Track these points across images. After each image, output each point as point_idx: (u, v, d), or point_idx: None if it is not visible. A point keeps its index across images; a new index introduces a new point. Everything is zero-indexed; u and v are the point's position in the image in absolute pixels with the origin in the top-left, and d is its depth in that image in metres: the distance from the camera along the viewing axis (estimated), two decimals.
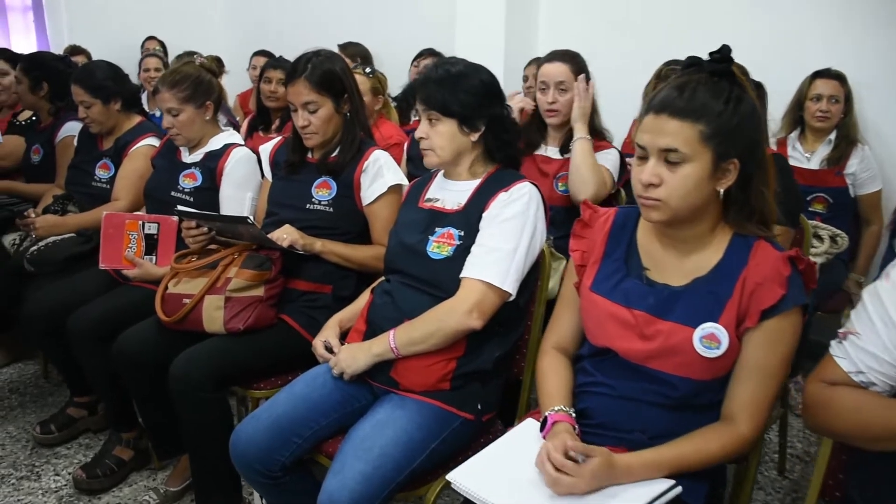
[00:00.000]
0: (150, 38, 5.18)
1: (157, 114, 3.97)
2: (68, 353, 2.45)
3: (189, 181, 2.50)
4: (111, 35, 5.16)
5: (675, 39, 3.66)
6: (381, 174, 2.20)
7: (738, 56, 1.44)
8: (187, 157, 2.56)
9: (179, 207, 2.17)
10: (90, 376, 2.50)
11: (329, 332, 1.96)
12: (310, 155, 2.30)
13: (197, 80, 2.47)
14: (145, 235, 2.48)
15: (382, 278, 2.03)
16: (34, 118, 3.60)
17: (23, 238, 2.81)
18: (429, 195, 1.94)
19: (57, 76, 3.30)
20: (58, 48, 4.99)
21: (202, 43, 4.68)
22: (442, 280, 1.78)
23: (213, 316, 2.06)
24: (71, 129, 3.24)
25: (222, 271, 2.11)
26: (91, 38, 5.01)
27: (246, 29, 5.78)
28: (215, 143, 2.54)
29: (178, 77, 2.45)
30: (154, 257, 2.49)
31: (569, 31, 4.20)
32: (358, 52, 4.68)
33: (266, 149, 2.41)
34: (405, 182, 2.25)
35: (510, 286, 1.74)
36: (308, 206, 2.22)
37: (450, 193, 1.89)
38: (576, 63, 2.62)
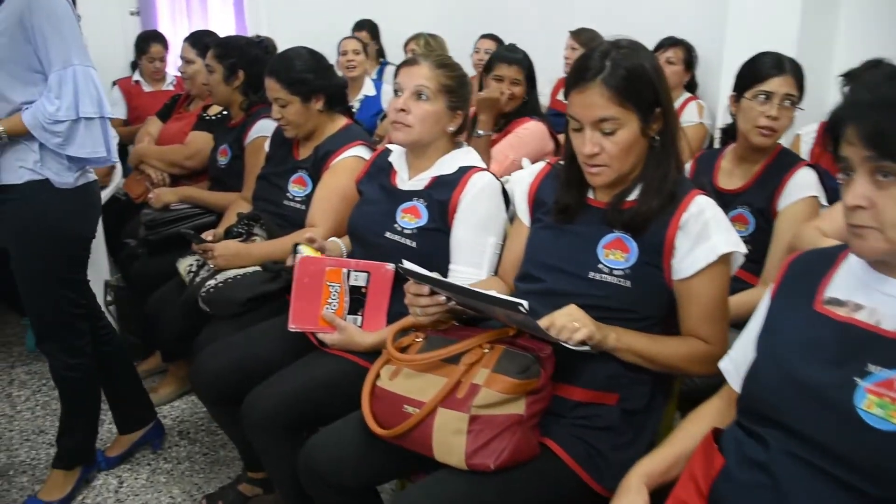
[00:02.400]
0: (362, 22, 4.55)
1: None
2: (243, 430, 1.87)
3: (410, 218, 1.82)
4: (312, 20, 4.65)
5: None
6: (706, 234, 1.43)
7: None
8: (406, 184, 1.89)
9: (407, 265, 1.49)
10: (269, 471, 1.91)
11: (636, 500, 1.20)
12: (591, 195, 1.55)
13: (464, 79, 1.86)
14: (350, 288, 1.84)
15: (709, 404, 1.25)
16: (224, 113, 3.12)
17: (200, 265, 2.28)
18: (833, 292, 1.12)
19: (253, 63, 2.78)
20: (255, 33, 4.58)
21: (413, 25, 4.03)
22: (890, 471, 0.96)
23: (450, 442, 1.35)
24: (264, 128, 2.69)
25: (466, 372, 1.40)
26: (290, 24, 4.55)
27: (462, 8, 5.03)
28: (446, 165, 1.86)
29: (447, 60, 1.84)
30: (360, 318, 1.85)
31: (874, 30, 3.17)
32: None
33: (523, 179, 1.69)
34: (742, 248, 1.45)
35: None
36: (592, 274, 1.48)
37: (889, 301, 1.06)
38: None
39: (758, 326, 1.23)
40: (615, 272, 1.47)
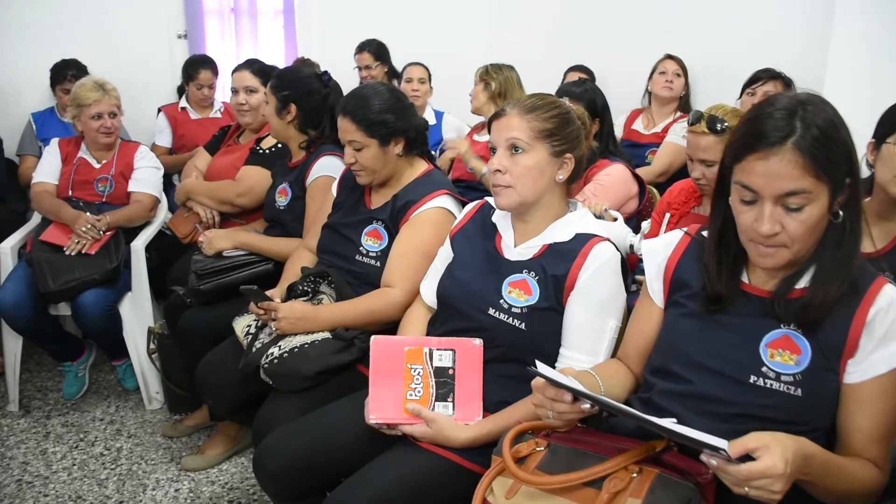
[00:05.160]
0: (367, 43, 4.23)
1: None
2: None
3: (519, 294, 1.55)
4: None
5: None
6: (893, 334, 1.19)
7: None
8: (513, 252, 1.62)
9: (542, 369, 1.20)
10: None
11: None
12: (746, 279, 1.28)
13: (566, 117, 1.57)
14: (434, 370, 1.57)
15: None
16: (279, 146, 2.89)
17: (259, 326, 2.03)
18: None
19: (307, 97, 2.54)
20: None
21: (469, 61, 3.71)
22: None
23: None
24: (326, 166, 2.45)
25: (609, 502, 1.12)
26: (342, 48, 4.32)
27: (541, 35, 4.60)
28: (559, 231, 1.58)
29: (539, 101, 1.57)
30: (450, 404, 1.57)
31: None
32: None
33: (656, 252, 1.42)
34: None
35: None
36: (754, 378, 1.22)
37: None
38: None
39: None
40: (783, 378, 1.21)
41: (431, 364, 1.58)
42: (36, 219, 3.18)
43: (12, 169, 3.72)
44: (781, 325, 1.23)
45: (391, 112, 1.99)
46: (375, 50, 4.21)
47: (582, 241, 1.54)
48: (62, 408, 3.02)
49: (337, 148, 2.42)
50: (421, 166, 2.09)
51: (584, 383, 1.25)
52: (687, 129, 2.11)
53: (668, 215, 2.16)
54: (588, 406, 1.19)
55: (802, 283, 1.23)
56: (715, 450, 0.99)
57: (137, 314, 2.97)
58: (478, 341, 1.59)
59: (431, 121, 3.91)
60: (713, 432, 1.08)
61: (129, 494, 2.45)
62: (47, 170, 3.06)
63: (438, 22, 4.64)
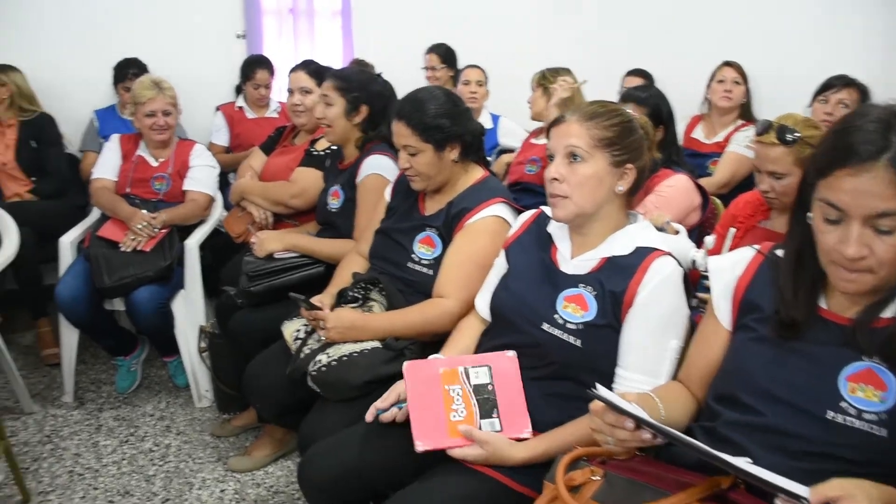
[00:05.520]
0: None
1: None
2: None
3: (575, 310, 1.48)
4: (421, 47, 4.39)
5: None
6: None
7: None
8: (569, 264, 1.55)
9: (602, 392, 1.15)
10: None
11: None
12: (824, 303, 1.19)
13: (628, 126, 1.51)
14: (474, 388, 1.53)
15: None
16: (333, 148, 2.87)
17: (308, 332, 2.00)
18: None
19: (378, 98, 2.53)
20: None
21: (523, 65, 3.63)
22: None
23: None
24: (376, 165, 2.42)
25: None
26: (397, 49, 4.30)
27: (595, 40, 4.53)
28: (619, 244, 1.51)
29: (601, 109, 1.51)
30: (496, 420, 1.52)
31: None
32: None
33: (723, 270, 1.34)
34: None
35: None
36: (831, 414, 1.13)
37: None
38: None
39: None
40: (865, 416, 1.11)
41: (469, 383, 1.54)
42: (95, 214, 3.23)
43: (74, 164, 3.80)
44: (863, 358, 1.14)
45: (447, 117, 1.94)
46: (444, 53, 4.22)
47: (642, 255, 1.47)
48: (114, 401, 3.06)
49: (388, 148, 2.39)
50: (477, 173, 2.04)
51: (644, 407, 1.19)
52: (754, 140, 2.01)
53: (733, 230, 2.07)
54: (650, 436, 1.12)
55: (889, 312, 1.13)
56: (794, 496, 0.92)
57: (190, 312, 2.98)
58: (511, 353, 1.56)
59: (487, 125, 3.86)
60: (781, 468, 1.00)
61: (175, 492, 2.46)
62: (107, 166, 3.10)
63: (494, 24, 4.58)
